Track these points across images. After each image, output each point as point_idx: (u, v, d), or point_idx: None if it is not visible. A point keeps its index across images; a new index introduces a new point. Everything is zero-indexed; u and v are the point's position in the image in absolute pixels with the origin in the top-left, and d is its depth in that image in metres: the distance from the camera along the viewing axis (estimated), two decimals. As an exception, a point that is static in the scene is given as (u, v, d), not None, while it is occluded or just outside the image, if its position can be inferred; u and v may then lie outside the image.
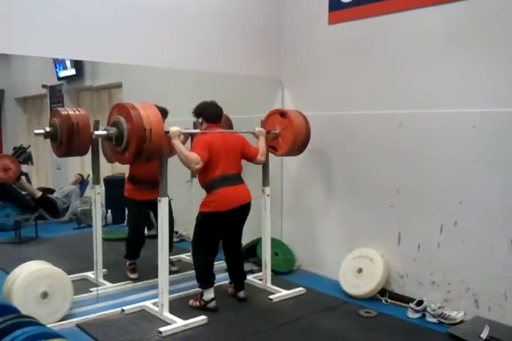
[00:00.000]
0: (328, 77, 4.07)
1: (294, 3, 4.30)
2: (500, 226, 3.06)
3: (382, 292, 3.64)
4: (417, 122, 3.47)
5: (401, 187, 3.60)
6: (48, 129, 3.57)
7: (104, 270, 3.99)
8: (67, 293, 3.25)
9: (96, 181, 3.91)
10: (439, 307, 3.24)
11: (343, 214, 4.05)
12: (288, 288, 3.78)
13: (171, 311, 3.29)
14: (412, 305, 3.36)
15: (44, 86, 6.63)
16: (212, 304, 3.42)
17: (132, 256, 4.16)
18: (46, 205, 6.05)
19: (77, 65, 5.96)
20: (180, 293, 3.72)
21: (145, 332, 3.08)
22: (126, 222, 4.42)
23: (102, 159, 4.01)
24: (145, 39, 3.53)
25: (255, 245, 4.24)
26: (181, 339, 3.01)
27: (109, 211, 5.88)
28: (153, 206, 3.99)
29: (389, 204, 3.68)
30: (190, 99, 3.72)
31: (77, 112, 3.55)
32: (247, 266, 4.13)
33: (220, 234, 3.53)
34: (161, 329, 3.06)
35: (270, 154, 3.89)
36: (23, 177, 6.17)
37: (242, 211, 3.48)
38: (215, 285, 3.67)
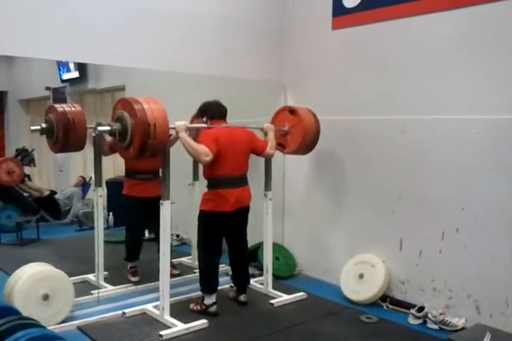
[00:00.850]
0: (331, 82, 4.08)
1: (297, 8, 4.32)
2: (502, 233, 3.06)
3: (384, 298, 3.63)
4: (420, 128, 3.48)
5: (403, 193, 3.60)
6: (44, 125, 3.57)
7: (106, 272, 3.99)
8: (69, 295, 3.25)
9: (98, 183, 3.92)
10: (440, 314, 3.24)
11: (345, 219, 4.05)
12: (289, 293, 3.77)
13: (172, 314, 3.29)
14: (413, 311, 3.35)
15: (47, 88, 6.63)
16: (213, 308, 3.39)
17: (132, 258, 4.16)
18: (49, 206, 6.05)
19: (81, 67, 5.97)
20: (182, 297, 3.71)
21: (145, 336, 3.08)
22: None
23: (104, 161, 4.02)
24: (149, 42, 3.55)
25: (256, 249, 4.23)
26: (182, 343, 3.01)
27: (111, 213, 5.87)
28: (152, 204, 3.92)
29: (391, 210, 3.67)
30: (193, 102, 3.73)
31: (72, 108, 3.54)
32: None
33: (221, 234, 3.50)
34: (162, 332, 3.06)
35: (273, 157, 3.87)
36: (26, 179, 6.17)
37: (240, 213, 3.46)
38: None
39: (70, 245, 5.26)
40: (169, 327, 3.15)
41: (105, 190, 4.36)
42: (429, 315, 3.26)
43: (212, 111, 3.48)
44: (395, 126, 3.60)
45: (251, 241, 3.81)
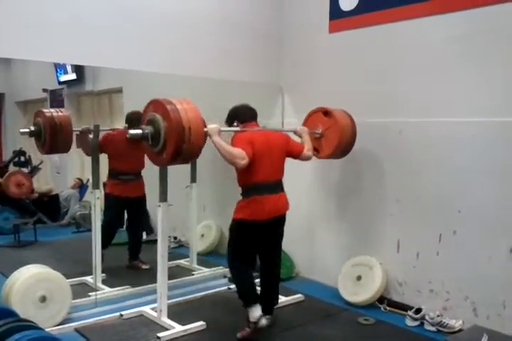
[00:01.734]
0: (328, 84, 4.09)
1: (295, 11, 4.33)
2: (499, 235, 3.07)
3: (381, 299, 3.64)
4: (417, 130, 3.49)
5: (401, 196, 3.61)
6: (32, 128, 3.79)
7: (103, 274, 3.99)
8: (66, 297, 3.25)
9: (95, 186, 3.94)
10: (438, 316, 3.25)
11: (343, 221, 4.06)
12: (287, 295, 3.77)
13: (170, 316, 3.29)
14: (410, 312, 3.36)
15: (45, 90, 6.62)
16: (263, 322, 3.02)
17: (103, 245, 4.10)
18: (50, 206, 6.06)
19: (78, 69, 5.96)
20: (179, 299, 3.71)
21: (143, 338, 3.08)
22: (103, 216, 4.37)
23: (102, 163, 4.03)
24: (146, 44, 3.55)
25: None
26: (179, 345, 3.01)
27: (108, 215, 5.87)
28: (133, 203, 4.28)
29: (389, 212, 3.69)
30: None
31: (59, 113, 3.77)
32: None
33: (255, 245, 3.20)
34: (160, 334, 3.06)
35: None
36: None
37: (276, 223, 3.19)
38: (215, 290, 3.66)
39: (67, 247, 5.25)
40: (167, 329, 3.16)
41: (102, 192, 4.36)
42: (427, 317, 3.26)
43: (242, 115, 3.25)
44: (393, 129, 3.61)
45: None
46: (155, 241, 3.36)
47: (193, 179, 4.57)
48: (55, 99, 6.58)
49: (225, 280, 4.20)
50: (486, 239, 3.13)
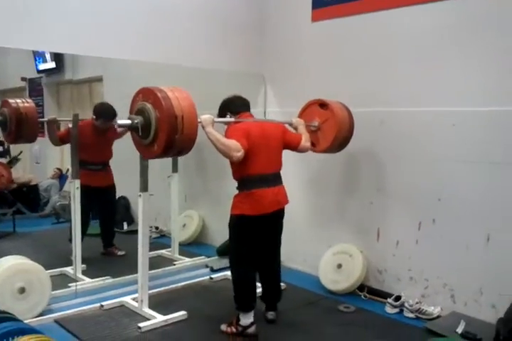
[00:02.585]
0: (311, 74, 4.08)
1: (277, -1, 4.31)
2: (477, 223, 3.11)
3: (361, 287, 3.67)
4: (397, 120, 3.51)
5: (381, 185, 3.64)
6: None
7: (83, 265, 3.96)
8: (45, 288, 3.21)
9: (75, 175, 3.90)
10: (417, 303, 3.29)
11: (324, 210, 4.08)
12: (268, 284, 3.78)
13: (151, 307, 3.28)
14: (390, 300, 3.40)
15: (23, 79, 6.51)
16: (253, 329, 2.95)
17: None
18: (30, 195, 5.98)
19: (57, 57, 5.87)
20: (161, 289, 3.71)
21: (124, 328, 3.07)
22: None
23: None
24: (126, 32, 3.49)
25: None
26: (161, 335, 3.00)
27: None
28: (102, 193, 4.36)
29: (369, 201, 3.71)
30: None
31: (25, 103, 3.82)
32: (223, 262, 4.12)
33: (256, 241, 3.06)
34: (141, 324, 3.05)
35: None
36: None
37: (276, 216, 3.07)
38: (196, 280, 3.65)
39: (47, 238, 5.20)
40: (148, 319, 3.15)
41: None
42: (406, 304, 3.31)
43: (235, 105, 3.13)
44: (375, 119, 3.62)
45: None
46: (136, 232, 3.34)
47: (175, 169, 4.54)
48: (34, 88, 6.47)
49: (207, 270, 4.20)
50: (464, 227, 3.18)
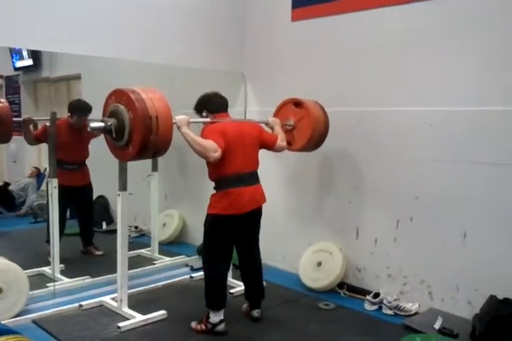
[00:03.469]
0: (291, 73, 4.10)
1: (257, -3, 4.31)
2: (453, 221, 3.17)
3: (341, 285, 3.71)
4: (375, 120, 3.55)
5: (359, 184, 3.67)
6: None
7: (62, 265, 3.92)
8: (23, 288, 3.17)
9: (52, 174, 3.85)
10: (395, 300, 3.33)
11: (304, 209, 4.11)
12: (248, 282, 3.79)
13: (131, 306, 3.27)
14: (369, 297, 3.44)
15: (-1, 76, 6.42)
16: (221, 327, 2.98)
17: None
18: (4, 196, 5.89)
19: (35, 55, 5.79)
20: (141, 288, 3.69)
21: (103, 328, 3.04)
22: None
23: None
24: (102, 30, 3.44)
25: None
26: (140, 334, 2.98)
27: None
28: (79, 192, 4.35)
29: (348, 200, 3.75)
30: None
31: None
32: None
33: (232, 240, 3.07)
34: (120, 324, 3.03)
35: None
36: None
37: (253, 215, 3.07)
38: (176, 279, 3.62)
39: (24, 237, 5.13)
40: (127, 319, 3.13)
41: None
42: (385, 301, 3.35)
43: (214, 104, 3.10)
44: (352, 118, 3.65)
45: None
46: (115, 231, 3.31)
47: (155, 168, 4.52)
48: (11, 85, 6.38)
49: (187, 269, 4.19)
50: (441, 225, 3.23)
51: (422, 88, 3.30)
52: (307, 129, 3.40)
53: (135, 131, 2.49)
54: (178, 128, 2.78)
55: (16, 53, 6.04)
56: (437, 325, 3.00)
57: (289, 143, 3.45)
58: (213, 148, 2.76)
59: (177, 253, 4.63)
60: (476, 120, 3.05)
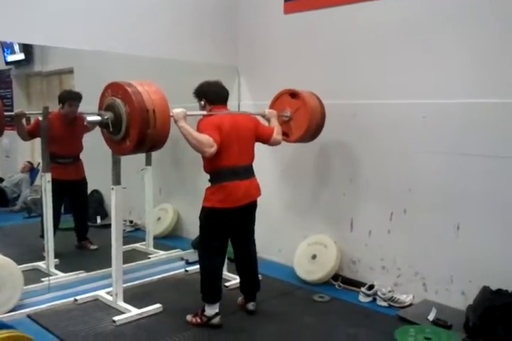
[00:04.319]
0: (284, 66, 4.09)
1: (250, -10, 4.29)
2: (446, 213, 3.18)
3: (336, 277, 3.72)
4: (370, 112, 3.54)
5: (353, 176, 3.68)
6: None
7: (56, 260, 3.91)
8: (17, 283, 3.17)
9: (46, 169, 3.83)
10: (389, 291, 3.35)
11: (299, 201, 4.11)
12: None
13: (126, 300, 3.27)
14: (363, 289, 3.46)
15: (-10, 70, 6.37)
16: (217, 320, 2.99)
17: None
18: None
19: (26, 49, 5.75)
20: (136, 282, 3.70)
21: (98, 322, 3.05)
22: None
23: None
24: (94, 23, 3.42)
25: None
26: (136, 328, 2.99)
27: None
28: (73, 186, 4.34)
29: (342, 192, 3.75)
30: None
31: None
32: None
33: (227, 233, 3.08)
34: (115, 318, 3.03)
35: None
36: None
37: (248, 209, 3.08)
38: (171, 273, 3.62)
39: (18, 233, 5.12)
40: (122, 313, 3.13)
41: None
42: (379, 293, 3.37)
43: (213, 95, 3.06)
44: (347, 111, 3.65)
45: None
46: (110, 225, 3.30)
47: (148, 162, 4.51)
48: (3, 80, 6.34)
49: (182, 263, 4.20)
50: (434, 217, 3.24)
51: (417, 80, 3.29)
52: (304, 120, 3.39)
53: (132, 124, 2.48)
54: (176, 121, 2.75)
55: (7, 47, 6.00)
56: (431, 317, 3.02)
57: (286, 135, 3.43)
58: (209, 143, 2.75)
59: (172, 247, 4.63)
60: (472, 112, 3.04)
